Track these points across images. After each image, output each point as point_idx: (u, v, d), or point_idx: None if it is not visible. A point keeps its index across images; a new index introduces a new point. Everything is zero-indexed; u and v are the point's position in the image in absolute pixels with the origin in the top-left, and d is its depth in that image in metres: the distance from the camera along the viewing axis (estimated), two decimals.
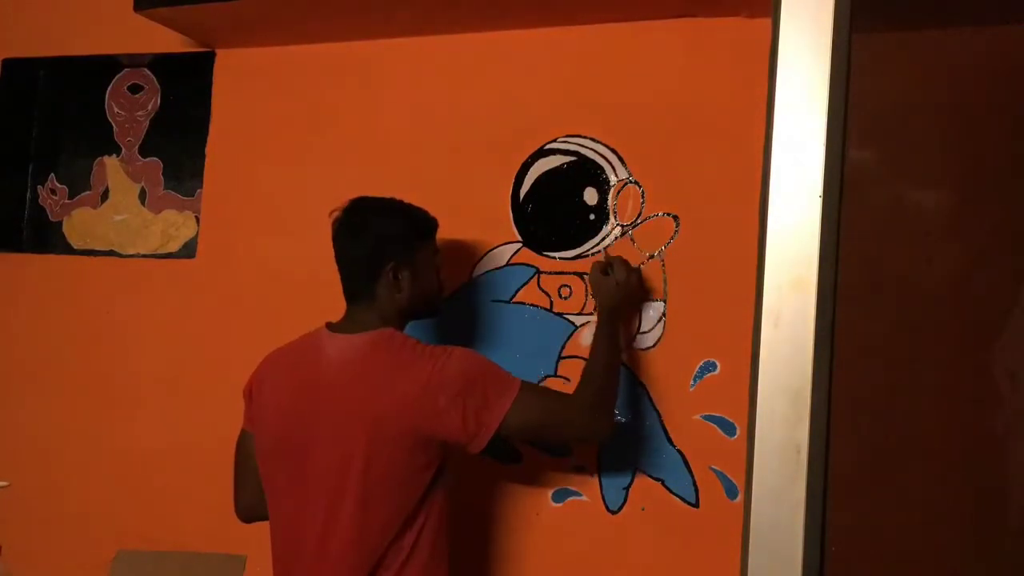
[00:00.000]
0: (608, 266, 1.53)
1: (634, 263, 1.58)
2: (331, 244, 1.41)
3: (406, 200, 1.45)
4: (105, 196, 2.06)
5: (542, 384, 1.61)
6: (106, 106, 2.07)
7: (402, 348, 1.31)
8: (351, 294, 1.40)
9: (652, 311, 1.58)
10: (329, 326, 1.38)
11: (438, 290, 1.47)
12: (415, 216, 1.44)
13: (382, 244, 1.37)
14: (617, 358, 1.47)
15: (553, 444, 1.62)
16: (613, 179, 1.63)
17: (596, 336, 1.47)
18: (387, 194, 1.46)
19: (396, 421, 1.26)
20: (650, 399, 1.56)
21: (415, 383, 1.26)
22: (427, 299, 1.43)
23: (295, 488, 1.33)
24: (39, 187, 2.12)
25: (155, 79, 2.04)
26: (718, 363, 1.54)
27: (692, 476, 1.53)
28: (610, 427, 1.41)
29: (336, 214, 1.41)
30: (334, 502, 1.29)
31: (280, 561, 1.37)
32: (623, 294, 1.50)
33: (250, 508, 1.44)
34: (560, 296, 1.64)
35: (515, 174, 1.69)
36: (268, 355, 1.44)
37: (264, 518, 1.41)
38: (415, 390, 1.26)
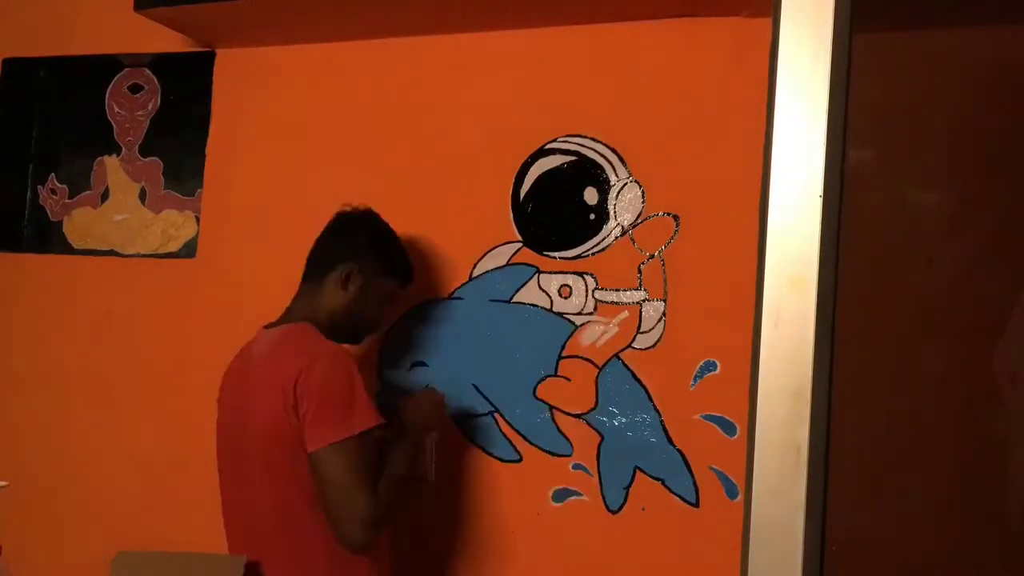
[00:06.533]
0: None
1: (634, 263, 1.59)
2: None
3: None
4: (105, 196, 2.06)
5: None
6: (106, 106, 2.07)
7: (298, 341, 1.35)
8: (304, 275, 1.45)
9: (652, 311, 1.58)
10: (267, 325, 1.43)
11: (371, 323, 1.49)
12: (401, 257, 1.50)
13: (357, 248, 1.42)
14: (406, 481, 1.38)
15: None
16: (613, 179, 1.63)
17: (397, 453, 1.38)
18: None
19: (280, 412, 1.29)
20: (650, 399, 1.56)
21: (286, 375, 1.29)
22: (361, 321, 1.47)
23: (232, 480, 1.40)
24: (39, 187, 2.12)
25: (155, 79, 2.04)
26: (718, 363, 1.54)
27: (692, 476, 1.53)
28: (365, 546, 1.27)
29: (346, 207, 1.48)
30: (254, 492, 1.34)
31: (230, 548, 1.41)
32: (421, 414, 1.46)
33: None
34: (560, 296, 1.64)
35: (515, 174, 1.69)
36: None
37: None
38: (284, 382, 1.28)
